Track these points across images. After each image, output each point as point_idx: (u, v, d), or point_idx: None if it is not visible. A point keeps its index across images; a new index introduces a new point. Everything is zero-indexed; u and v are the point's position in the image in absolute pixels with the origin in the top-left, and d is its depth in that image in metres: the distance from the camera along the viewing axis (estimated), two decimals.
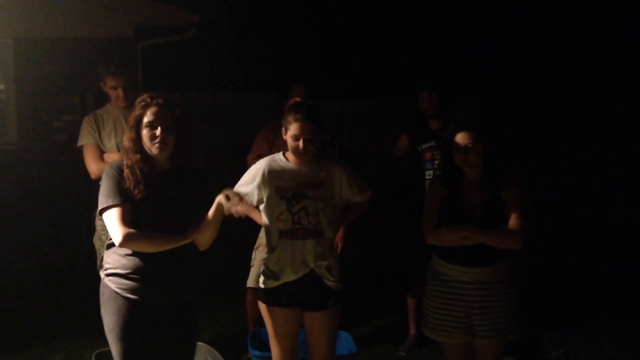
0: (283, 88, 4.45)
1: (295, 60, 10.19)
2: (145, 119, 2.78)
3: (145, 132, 2.78)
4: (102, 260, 3.86)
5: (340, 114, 6.86)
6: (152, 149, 2.78)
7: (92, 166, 3.94)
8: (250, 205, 3.25)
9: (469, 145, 3.05)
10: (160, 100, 2.80)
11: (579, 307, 5.40)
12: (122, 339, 2.80)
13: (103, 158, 3.95)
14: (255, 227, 3.91)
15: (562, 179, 6.98)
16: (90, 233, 4.11)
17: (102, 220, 3.07)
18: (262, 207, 3.21)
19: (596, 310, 5.35)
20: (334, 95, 7.15)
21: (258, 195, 3.18)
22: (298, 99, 3.86)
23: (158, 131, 2.76)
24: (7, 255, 5.93)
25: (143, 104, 2.81)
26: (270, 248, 3.22)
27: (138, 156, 2.78)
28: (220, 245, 2.98)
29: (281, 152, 3.27)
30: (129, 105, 3.82)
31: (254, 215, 3.36)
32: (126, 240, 2.70)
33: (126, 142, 2.83)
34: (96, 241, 4.01)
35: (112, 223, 2.73)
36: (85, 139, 4.00)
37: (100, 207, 2.78)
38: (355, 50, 10.75)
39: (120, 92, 3.97)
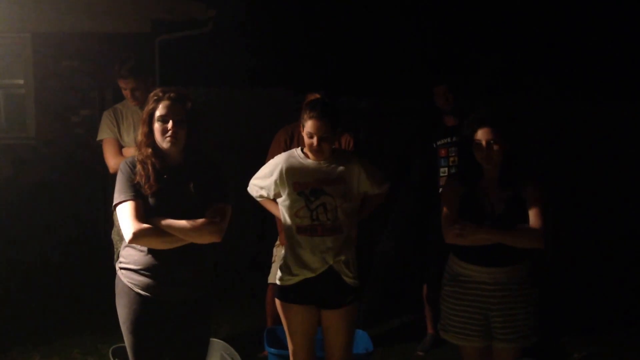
0: (300, 83, 4.40)
1: (312, 56, 10.17)
2: (157, 113, 2.77)
3: (157, 126, 2.78)
4: (119, 254, 3.89)
5: (357, 111, 6.81)
6: (163, 143, 2.77)
7: (111, 161, 3.96)
8: (267, 197, 3.24)
9: (491, 142, 2.99)
10: (172, 94, 2.79)
11: (602, 310, 5.29)
12: (132, 333, 2.85)
13: (122, 152, 3.97)
14: (272, 224, 3.88)
15: (583, 178, 6.85)
16: (108, 227, 4.13)
17: None
18: (279, 202, 3.19)
19: (620, 314, 5.25)
20: (350, 92, 7.11)
21: (274, 190, 3.16)
22: (317, 95, 3.81)
23: (169, 125, 2.75)
24: (25, 249, 5.97)
25: (155, 98, 2.80)
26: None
27: (150, 150, 2.78)
28: (237, 243, 2.96)
29: (299, 148, 3.24)
30: (140, 105, 3.86)
31: (270, 207, 3.34)
32: (136, 237, 2.70)
33: (139, 136, 2.84)
34: (114, 236, 4.02)
35: (123, 219, 2.73)
36: (105, 134, 4.03)
37: (114, 203, 2.79)
38: (372, 47, 10.70)
39: (128, 93, 4.02)
